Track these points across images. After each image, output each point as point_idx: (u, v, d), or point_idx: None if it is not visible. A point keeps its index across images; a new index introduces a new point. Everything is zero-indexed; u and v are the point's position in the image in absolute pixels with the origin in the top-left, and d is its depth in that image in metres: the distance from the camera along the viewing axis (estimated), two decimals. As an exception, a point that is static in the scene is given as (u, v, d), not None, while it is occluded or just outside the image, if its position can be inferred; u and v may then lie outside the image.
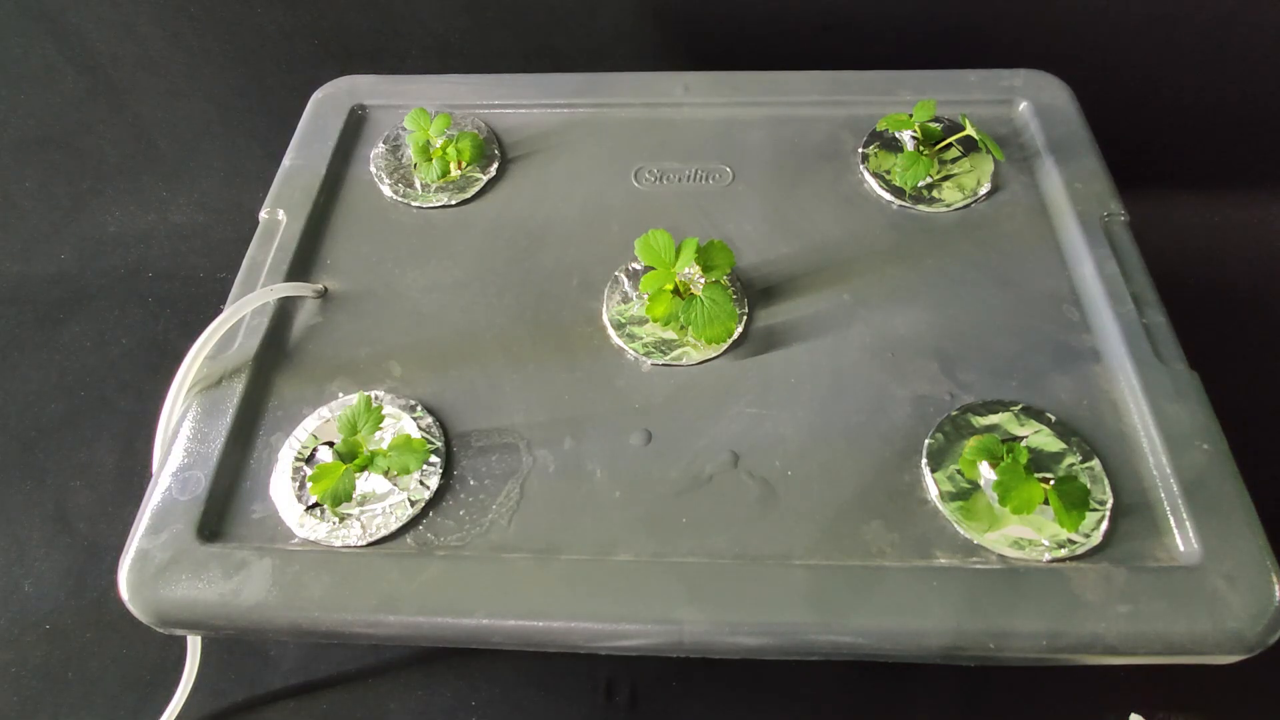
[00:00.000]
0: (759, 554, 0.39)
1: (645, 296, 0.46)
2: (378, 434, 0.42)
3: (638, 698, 0.54)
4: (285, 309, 0.50)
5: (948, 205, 0.53)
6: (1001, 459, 0.39)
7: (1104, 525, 0.39)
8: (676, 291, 0.46)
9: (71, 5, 0.75)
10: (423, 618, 0.38)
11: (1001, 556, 0.39)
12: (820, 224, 0.53)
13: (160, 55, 0.78)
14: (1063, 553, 0.38)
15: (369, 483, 0.42)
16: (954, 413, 0.43)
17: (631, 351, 0.47)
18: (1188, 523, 0.39)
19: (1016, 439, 0.42)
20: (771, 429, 0.44)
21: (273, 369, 0.47)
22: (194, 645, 0.50)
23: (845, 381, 0.45)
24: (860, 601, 0.37)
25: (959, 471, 0.41)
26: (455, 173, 0.56)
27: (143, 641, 0.57)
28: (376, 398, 0.45)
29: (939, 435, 0.42)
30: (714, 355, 0.46)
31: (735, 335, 0.47)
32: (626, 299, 0.49)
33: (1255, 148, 0.80)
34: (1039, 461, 0.41)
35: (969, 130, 0.52)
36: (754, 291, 0.49)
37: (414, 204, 0.55)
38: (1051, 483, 0.38)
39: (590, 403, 0.45)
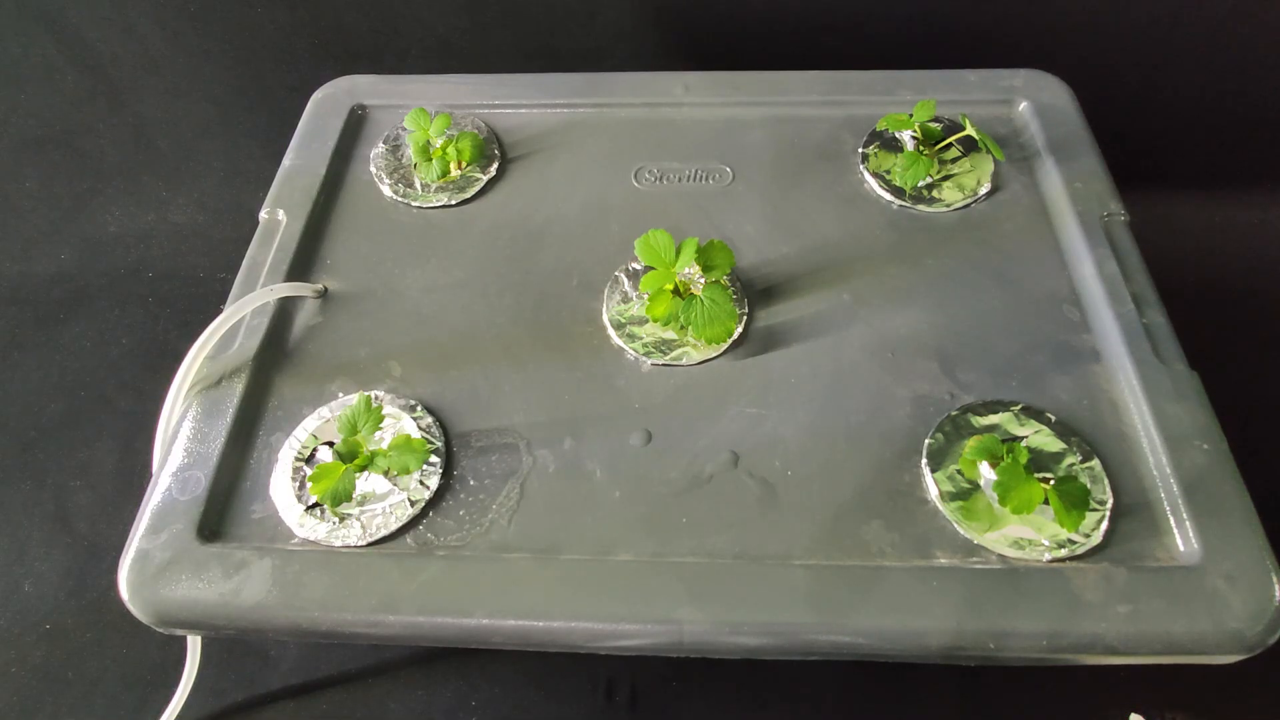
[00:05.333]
0: (759, 554, 0.39)
1: (645, 296, 0.46)
2: (378, 434, 0.42)
3: (638, 698, 0.54)
4: (285, 309, 0.50)
5: (948, 205, 0.53)
6: (1001, 459, 0.39)
7: (1104, 525, 0.39)
8: (676, 291, 0.46)
9: (71, 5, 0.75)
10: (423, 618, 0.38)
11: (1001, 556, 0.39)
12: (820, 224, 0.53)
13: (160, 55, 0.78)
14: (1063, 553, 0.38)
15: (369, 483, 0.42)
16: (954, 413, 0.43)
17: (631, 351, 0.47)
18: (1188, 523, 0.39)
19: (1016, 439, 0.42)
20: (771, 429, 0.44)
21: (273, 369, 0.47)
22: (194, 645, 0.50)
23: (845, 381, 0.45)
24: (860, 601, 0.37)
25: (959, 471, 0.41)
26: (455, 173, 0.56)
27: (143, 641, 0.57)
28: (376, 398, 0.45)
29: (939, 435, 0.42)
30: (714, 355, 0.46)
31: (735, 335, 0.47)
32: (626, 299, 0.49)
33: (1255, 148, 0.80)
34: (1039, 461, 0.41)
35: (969, 130, 0.52)
36: (754, 291, 0.49)
37: (414, 204, 0.55)
38: (1051, 483, 0.38)
39: (590, 403, 0.45)
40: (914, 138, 0.55)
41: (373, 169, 0.57)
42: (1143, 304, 0.47)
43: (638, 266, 0.50)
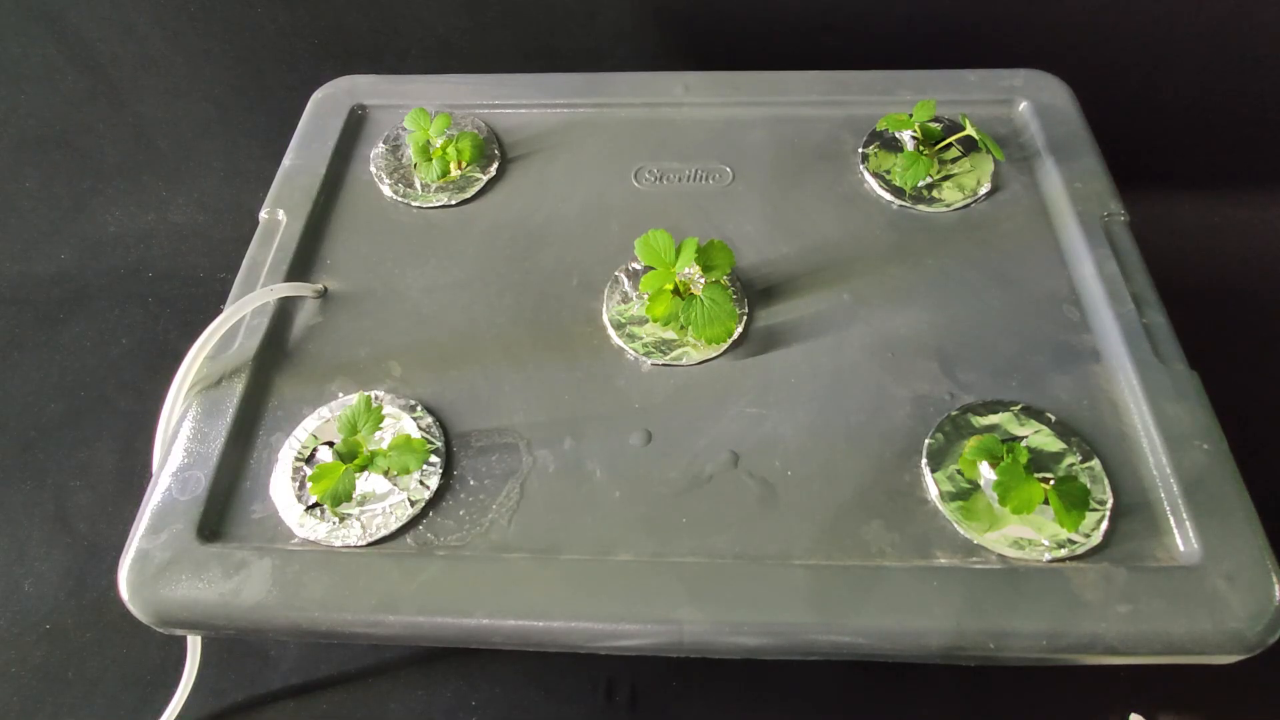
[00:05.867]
0: (759, 554, 0.39)
1: (645, 296, 0.46)
2: (378, 434, 0.42)
3: (638, 698, 0.54)
4: (285, 309, 0.50)
5: (948, 205, 0.53)
6: (1001, 459, 0.39)
7: (1104, 525, 0.39)
8: (676, 291, 0.46)
9: (71, 5, 0.75)
10: (423, 618, 0.38)
11: (1001, 556, 0.39)
12: (820, 224, 0.53)
13: (160, 55, 0.78)
14: (1063, 553, 0.38)
15: (369, 483, 0.42)
16: (954, 413, 0.43)
17: (631, 351, 0.47)
18: (1188, 523, 0.39)
19: (1016, 439, 0.42)
20: (771, 429, 0.44)
21: (273, 369, 0.47)
22: (194, 645, 0.50)
23: (845, 381, 0.45)
24: (860, 601, 0.37)
25: (959, 471, 0.41)
26: (455, 173, 0.56)
27: (143, 641, 0.57)
28: (376, 398, 0.45)
29: (939, 435, 0.42)
30: (714, 355, 0.46)
31: (735, 335, 0.47)
32: (626, 299, 0.49)
33: (1255, 148, 0.80)
34: (1039, 461, 0.41)
35: (969, 130, 0.52)
36: (754, 291, 0.49)
37: (414, 204, 0.55)
38: (1051, 483, 0.38)
39: (590, 403, 0.45)
40: (914, 138, 0.55)
41: (373, 169, 0.57)
42: (1143, 304, 0.47)
43: (638, 266, 0.50)
